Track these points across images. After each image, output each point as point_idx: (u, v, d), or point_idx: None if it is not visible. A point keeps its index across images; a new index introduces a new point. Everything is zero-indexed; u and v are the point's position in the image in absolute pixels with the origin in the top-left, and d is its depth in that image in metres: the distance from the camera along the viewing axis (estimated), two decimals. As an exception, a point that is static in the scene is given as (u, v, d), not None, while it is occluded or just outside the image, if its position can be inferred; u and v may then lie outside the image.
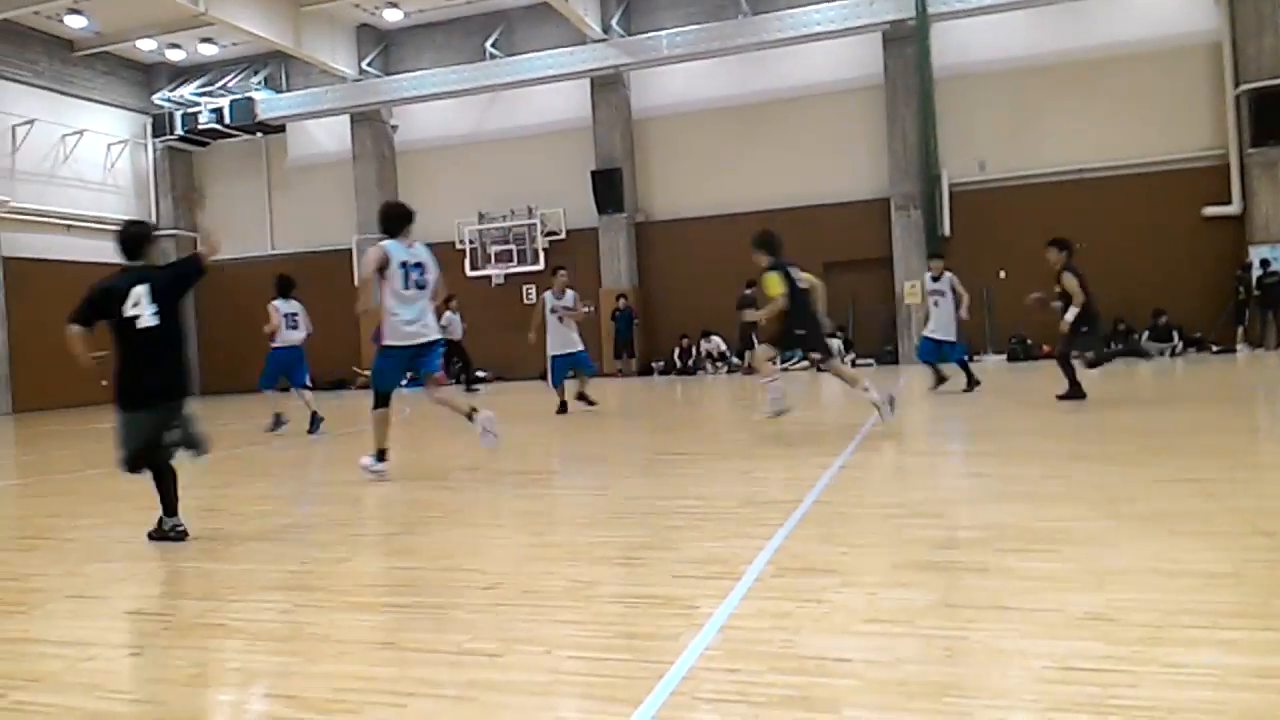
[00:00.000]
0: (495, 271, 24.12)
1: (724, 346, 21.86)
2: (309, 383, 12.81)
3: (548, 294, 12.90)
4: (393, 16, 23.71)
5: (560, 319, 12.68)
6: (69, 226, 23.56)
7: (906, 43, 20.73)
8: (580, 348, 12.87)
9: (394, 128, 25.52)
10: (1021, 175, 20.54)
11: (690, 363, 22.26)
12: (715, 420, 12.62)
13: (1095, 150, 19.84)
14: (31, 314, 21.42)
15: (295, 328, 12.37)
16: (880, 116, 21.45)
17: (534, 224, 23.77)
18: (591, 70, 22.61)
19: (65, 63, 23.77)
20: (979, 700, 2.62)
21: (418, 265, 7.59)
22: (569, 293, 12.86)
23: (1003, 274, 20.37)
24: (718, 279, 21.97)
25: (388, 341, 7.67)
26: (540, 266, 23.57)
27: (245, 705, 3.02)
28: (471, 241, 24.19)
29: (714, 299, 21.82)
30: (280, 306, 12.26)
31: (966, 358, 13.45)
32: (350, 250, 24.83)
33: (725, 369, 21.71)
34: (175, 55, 25.19)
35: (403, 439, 11.40)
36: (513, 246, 23.99)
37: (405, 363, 7.78)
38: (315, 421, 12.11)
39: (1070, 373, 10.75)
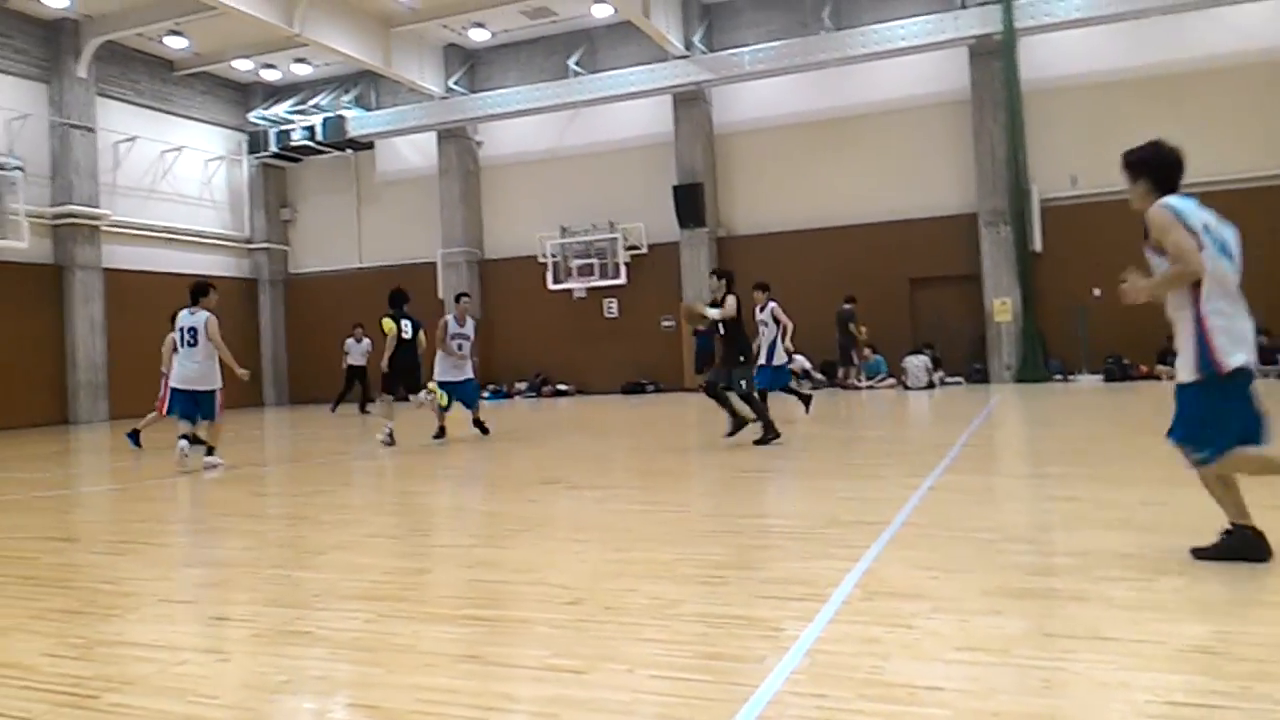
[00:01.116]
0: (576, 285, 24.26)
1: (808, 364, 21.57)
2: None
3: (449, 318, 12.44)
4: (479, 36, 24.09)
5: (459, 346, 12.35)
6: (167, 239, 24.35)
7: (993, 57, 20.35)
8: (468, 376, 12.56)
9: (479, 144, 25.89)
10: (1116, 190, 19.82)
11: (773, 380, 22.02)
12: (798, 437, 12.47)
13: (1193, 165, 19.15)
14: (129, 324, 22.16)
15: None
16: (966, 131, 21.08)
17: (615, 238, 23.86)
18: (673, 87, 22.67)
19: (165, 82, 24.63)
20: (1081, 736, 2.51)
21: (191, 329, 10.10)
22: (470, 321, 12.56)
23: (1097, 291, 19.83)
24: (801, 294, 21.72)
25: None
26: (622, 281, 23.65)
27: (329, 714, 3.03)
28: (553, 255, 24.38)
29: (797, 314, 21.51)
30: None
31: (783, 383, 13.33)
32: (435, 264, 25.21)
33: (809, 385, 21.41)
34: (270, 75, 25.95)
35: (483, 452, 11.50)
36: (594, 261, 24.10)
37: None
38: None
39: (726, 404, 10.65)
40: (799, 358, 21.51)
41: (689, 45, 22.15)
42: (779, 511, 6.10)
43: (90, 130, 21.92)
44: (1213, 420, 4.16)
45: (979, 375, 20.91)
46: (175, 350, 10.43)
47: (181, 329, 10.22)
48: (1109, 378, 19.47)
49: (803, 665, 3.14)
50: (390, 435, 12.07)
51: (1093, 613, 3.59)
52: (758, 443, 10.12)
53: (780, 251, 22.59)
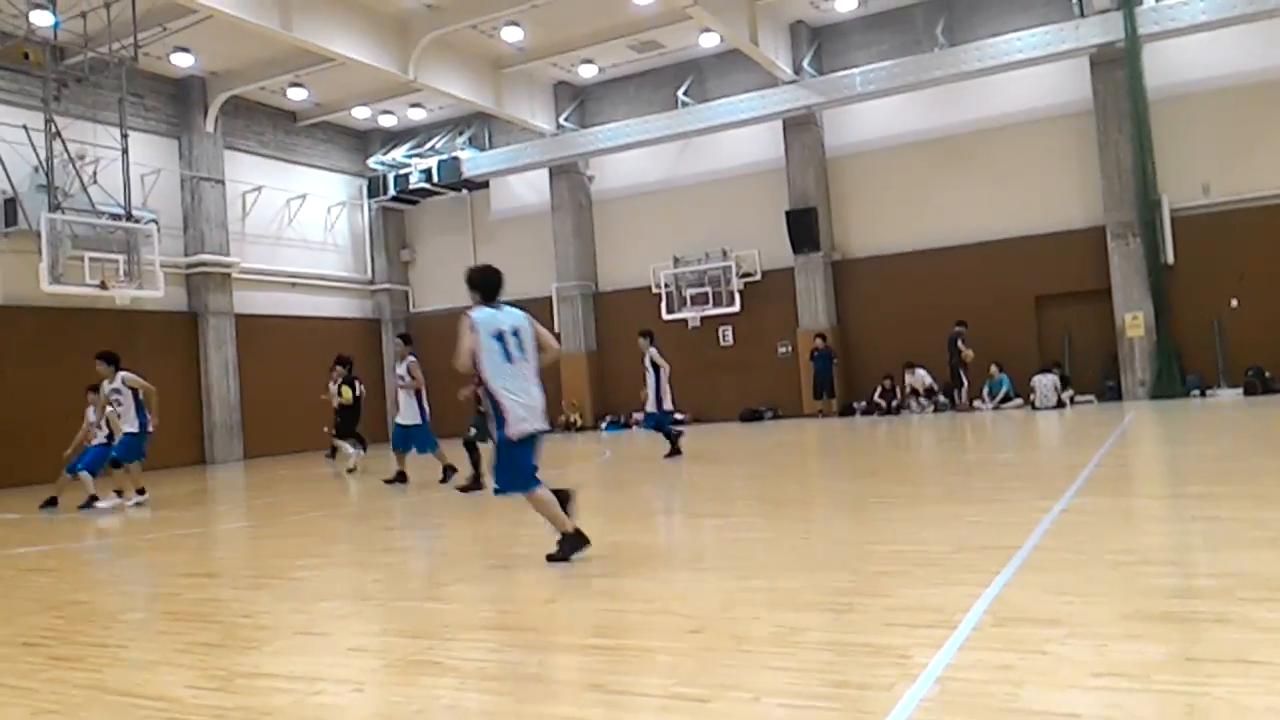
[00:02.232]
0: (691, 314, 24.28)
1: (930, 380, 21.09)
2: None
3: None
4: (587, 73, 24.49)
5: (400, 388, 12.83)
6: (293, 284, 25.34)
7: (1116, 65, 19.68)
8: (410, 421, 12.87)
9: (590, 178, 26.25)
10: (1251, 198, 19.03)
11: (894, 403, 21.62)
12: (922, 461, 12.21)
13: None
14: (260, 366, 23.06)
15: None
16: (1090, 142, 20.41)
17: (729, 266, 23.82)
18: (783, 112, 22.58)
19: (288, 133, 25.71)
20: (1235, 768, 2.38)
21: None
22: (406, 360, 12.79)
23: (1235, 302, 18.93)
24: (920, 315, 21.37)
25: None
26: (736, 309, 23.56)
27: (460, 743, 3.08)
28: (667, 285, 24.46)
29: (917, 336, 21.21)
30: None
31: (666, 426, 14.03)
32: (551, 298, 25.60)
33: (932, 407, 20.94)
34: (387, 121, 26.84)
35: (601, 482, 11.59)
36: (708, 289, 24.09)
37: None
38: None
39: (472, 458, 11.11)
40: (920, 371, 21.07)
41: (798, 69, 22.08)
42: (904, 538, 5.96)
43: (219, 182, 22.98)
44: None
45: (1112, 393, 20.11)
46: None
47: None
48: (1249, 391, 18.50)
49: (933, 693, 3.06)
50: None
51: (1237, 636, 3.41)
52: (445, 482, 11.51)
53: (898, 273, 22.22)
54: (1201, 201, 19.60)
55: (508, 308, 6.20)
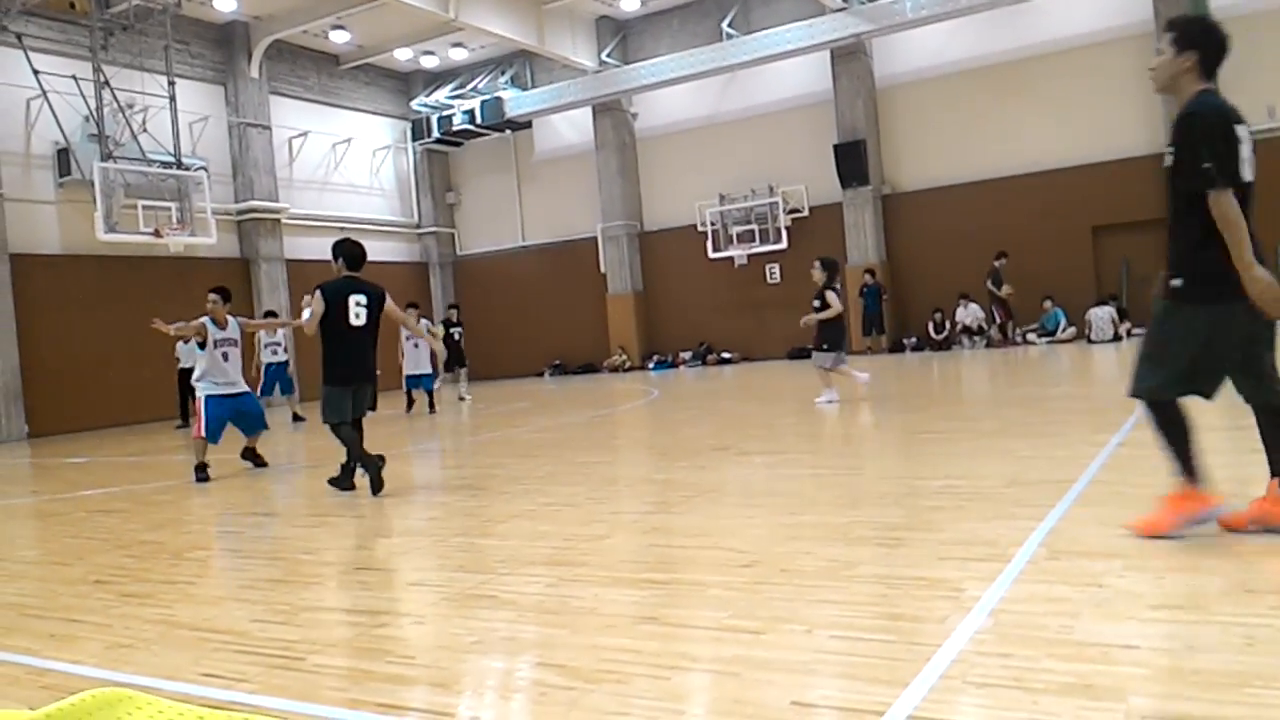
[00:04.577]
0: (737, 253, 24.10)
1: (981, 316, 20.83)
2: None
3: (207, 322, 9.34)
4: (630, 6, 24.12)
5: (224, 355, 9.36)
6: (341, 228, 25.46)
7: (1178, -16, 19.00)
8: (241, 389, 9.44)
9: (634, 115, 25.99)
10: (1320, 118, 18.43)
11: (944, 337, 21.42)
12: (973, 396, 12.10)
13: None
14: (312, 311, 23.34)
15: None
16: (1149, 64, 19.75)
17: (775, 202, 23.55)
18: (832, 41, 22.06)
19: (332, 76, 25.68)
20: (1293, 696, 2.37)
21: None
22: (231, 321, 9.41)
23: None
24: (972, 249, 21.00)
25: None
26: (783, 246, 23.34)
27: (519, 673, 3.15)
28: (713, 223, 24.28)
29: (968, 270, 20.87)
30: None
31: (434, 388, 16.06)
32: (595, 239, 25.55)
33: (984, 343, 20.70)
34: (429, 62, 26.71)
35: (652, 423, 11.63)
36: (754, 227, 23.87)
37: None
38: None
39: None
40: (973, 306, 20.78)
41: (846, -3, 21.58)
42: (956, 472, 5.93)
43: (265, 128, 23.08)
44: None
45: (1169, 325, 19.70)
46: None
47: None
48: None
49: (987, 625, 3.06)
50: None
51: (1304, 569, 3.36)
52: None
53: (949, 206, 21.84)
54: (1267, 124, 18.96)
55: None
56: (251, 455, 9.49)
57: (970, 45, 21.63)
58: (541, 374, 26.32)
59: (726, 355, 24.27)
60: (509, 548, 4.98)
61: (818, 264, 11.43)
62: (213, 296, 9.31)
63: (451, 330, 17.87)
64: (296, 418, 15.83)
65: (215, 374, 9.06)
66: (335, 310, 7.30)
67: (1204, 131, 3.80)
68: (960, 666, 2.73)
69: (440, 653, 3.36)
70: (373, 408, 7.65)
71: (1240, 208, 3.80)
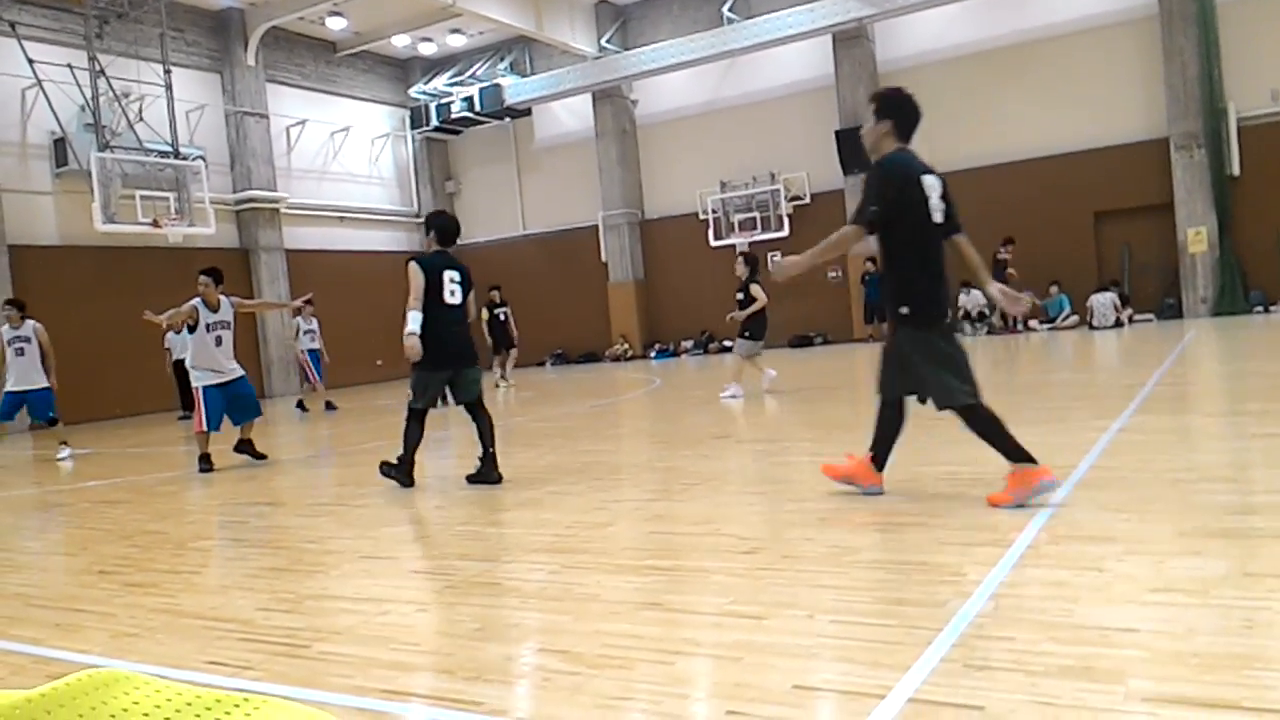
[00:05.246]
0: (739, 240, 24.03)
1: (983, 302, 20.81)
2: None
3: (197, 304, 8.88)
4: (629, -9, 24.07)
5: (218, 339, 8.92)
6: (340, 218, 25.45)
7: (1183, -34, 18.92)
8: (235, 375, 9.00)
9: (634, 102, 25.91)
10: (1322, 103, 18.40)
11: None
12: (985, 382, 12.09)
13: None
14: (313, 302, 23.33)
15: None
16: (1154, 49, 19.69)
17: (777, 190, 23.49)
18: (833, 25, 21.94)
19: (329, 64, 25.55)
20: (1292, 678, 2.38)
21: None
22: (224, 302, 8.99)
23: (1305, 214, 18.39)
24: (975, 235, 20.72)
25: None
26: (785, 233, 23.29)
27: (523, 659, 3.17)
28: (714, 211, 24.22)
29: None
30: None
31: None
32: (596, 227, 25.50)
33: (985, 329, 20.68)
34: (427, 49, 26.58)
35: (654, 412, 11.65)
36: (756, 214, 23.81)
37: None
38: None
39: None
40: (976, 293, 20.75)
41: (848, -19, 21.48)
42: (958, 459, 5.94)
43: (263, 116, 22.98)
44: None
45: (1172, 311, 19.71)
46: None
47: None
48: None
49: (987, 609, 3.08)
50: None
51: (1303, 553, 3.38)
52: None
53: (954, 190, 21.74)
54: (1270, 109, 18.93)
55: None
56: (248, 448, 9.10)
57: (973, 29, 21.56)
58: (543, 363, 26.32)
59: (728, 344, 24.23)
60: (512, 535, 5.00)
61: (740, 259, 12.05)
62: (203, 279, 8.87)
63: (496, 311, 17.58)
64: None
65: (207, 360, 8.76)
66: (431, 287, 6.82)
67: (881, 182, 4.85)
68: (961, 650, 2.74)
69: (444, 639, 3.38)
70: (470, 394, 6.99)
71: (938, 244, 5.02)
